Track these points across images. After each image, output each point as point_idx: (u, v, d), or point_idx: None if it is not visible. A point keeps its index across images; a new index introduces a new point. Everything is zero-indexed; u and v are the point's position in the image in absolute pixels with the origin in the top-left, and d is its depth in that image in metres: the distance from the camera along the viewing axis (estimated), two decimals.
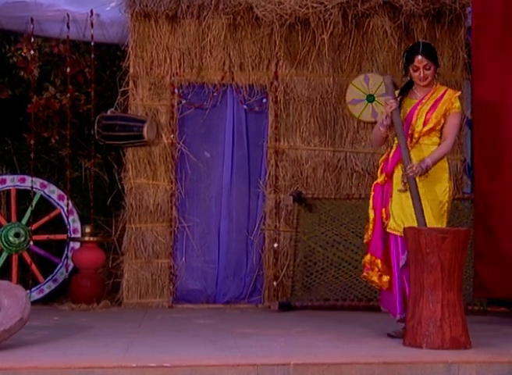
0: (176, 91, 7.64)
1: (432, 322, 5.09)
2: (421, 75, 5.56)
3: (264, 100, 7.68)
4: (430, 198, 5.48)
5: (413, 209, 5.45)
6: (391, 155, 5.68)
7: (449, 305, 5.11)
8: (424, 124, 5.55)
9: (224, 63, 7.66)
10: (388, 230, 5.59)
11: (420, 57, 5.55)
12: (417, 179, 5.45)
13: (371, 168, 7.50)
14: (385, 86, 5.66)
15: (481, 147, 6.31)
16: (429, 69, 5.56)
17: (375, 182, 5.76)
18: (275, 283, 7.55)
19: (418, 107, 5.60)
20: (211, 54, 7.63)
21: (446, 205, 5.54)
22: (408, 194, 5.50)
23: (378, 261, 5.60)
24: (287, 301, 7.26)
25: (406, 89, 5.69)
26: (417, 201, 5.39)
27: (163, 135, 7.62)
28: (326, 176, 7.69)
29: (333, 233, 7.43)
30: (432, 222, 5.41)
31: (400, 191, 5.56)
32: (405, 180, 5.52)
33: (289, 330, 6.02)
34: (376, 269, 5.60)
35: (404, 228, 5.36)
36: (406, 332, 5.26)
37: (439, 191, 5.54)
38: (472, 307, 6.79)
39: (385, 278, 5.59)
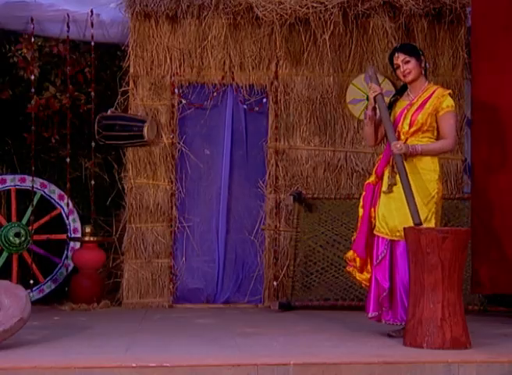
0: (176, 90, 7.64)
1: (432, 322, 5.09)
2: (402, 69, 5.63)
3: (265, 100, 7.68)
4: (421, 200, 5.47)
5: (396, 212, 5.49)
6: (381, 156, 5.71)
7: (450, 304, 5.11)
8: (410, 125, 5.58)
9: (224, 63, 7.65)
10: (374, 232, 5.62)
11: (396, 54, 5.68)
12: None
13: (371, 168, 7.47)
14: (368, 76, 5.79)
15: (479, 146, 6.34)
16: (408, 62, 5.61)
17: (366, 181, 5.80)
18: (275, 283, 7.55)
19: (407, 108, 5.63)
20: (211, 54, 7.63)
21: (435, 206, 5.53)
22: (392, 195, 5.54)
23: (358, 258, 5.70)
24: (287, 301, 7.26)
25: (401, 92, 5.73)
26: (406, 185, 5.38)
27: (163, 135, 7.62)
28: (326, 176, 7.69)
29: (333, 233, 7.43)
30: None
31: (384, 192, 5.58)
32: (390, 182, 5.56)
33: (289, 330, 6.02)
34: (356, 265, 5.67)
35: (404, 228, 5.36)
36: (406, 332, 5.26)
37: (428, 194, 5.52)
38: (472, 307, 6.79)
39: (365, 275, 5.69)
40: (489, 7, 6.34)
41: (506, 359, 4.79)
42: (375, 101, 5.63)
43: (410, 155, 5.50)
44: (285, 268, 7.52)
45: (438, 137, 5.62)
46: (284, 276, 7.52)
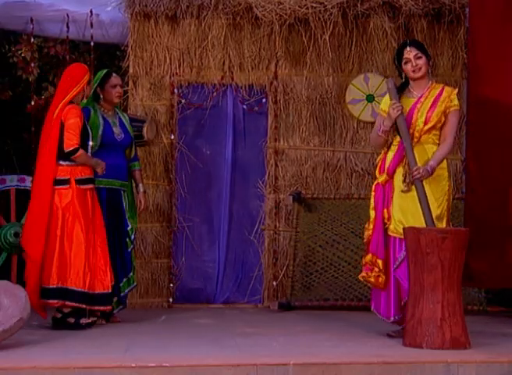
0: (176, 90, 7.64)
1: (432, 322, 5.09)
2: (414, 64, 5.56)
3: (264, 100, 7.68)
4: (434, 197, 5.48)
5: (413, 211, 5.46)
6: (392, 156, 5.66)
7: (450, 304, 5.11)
8: (425, 123, 5.55)
9: (224, 63, 7.66)
10: (389, 232, 5.59)
11: (408, 48, 5.60)
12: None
13: (370, 168, 7.50)
14: (388, 90, 5.63)
15: (474, 144, 6.38)
16: (420, 58, 5.57)
17: (375, 182, 5.75)
18: (274, 283, 7.55)
19: (417, 106, 5.59)
20: (210, 54, 7.64)
21: (447, 203, 5.54)
22: (409, 194, 5.51)
23: (380, 261, 5.58)
24: (287, 301, 7.27)
25: (402, 89, 5.69)
26: (425, 205, 5.37)
27: (163, 135, 7.62)
28: (326, 176, 7.70)
29: (333, 233, 7.43)
30: (436, 222, 5.41)
31: (403, 191, 5.55)
32: (407, 181, 5.52)
33: (289, 330, 6.02)
34: (376, 269, 5.58)
35: (404, 228, 5.35)
36: (406, 332, 5.25)
37: (440, 190, 5.53)
38: (472, 307, 6.79)
39: (381, 279, 5.60)
40: (486, 6, 6.36)
41: (506, 359, 4.78)
42: (397, 120, 5.49)
43: (430, 175, 5.46)
44: (284, 268, 7.52)
45: (440, 133, 5.60)
46: (284, 277, 7.52)
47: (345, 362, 4.71)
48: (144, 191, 6.80)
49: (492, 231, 6.18)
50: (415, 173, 5.40)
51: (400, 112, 5.48)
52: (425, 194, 5.41)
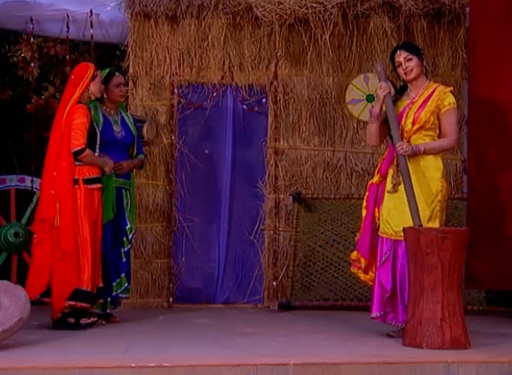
0: (176, 90, 7.64)
1: (432, 322, 5.09)
2: (404, 67, 5.59)
3: (264, 100, 7.68)
4: (423, 198, 5.47)
5: (400, 211, 5.48)
6: (385, 155, 5.70)
7: (450, 304, 5.11)
8: (413, 123, 5.55)
9: (224, 63, 7.66)
10: (379, 232, 5.61)
11: (398, 52, 5.65)
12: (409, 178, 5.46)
13: (370, 168, 7.50)
14: (377, 73, 5.72)
15: (475, 144, 6.38)
16: (410, 60, 5.59)
17: (370, 181, 5.78)
18: (274, 283, 7.55)
19: (409, 106, 5.61)
20: (210, 54, 7.64)
21: (439, 204, 5.53)
22: (396, 195, 5.53)
23: (362, 259, 5.66)
24: (287, 301, 7.27)
25: (401, 91, 5.71)
26: (408, 185, 5.37)
27: (163, 135, 7.62)
28: (326, 176, 7.70)
29: (333, 233, 7.44)
30: (424, 221, 5.40)
31: (388, 191, 5.57)
32: (394, 181, 5.54)
33: (289, 330, 6.02)
34: (361, 266, 5.66)
35: (404, 228, 5.35)
36: (406, 332, 5.25)
37: (431, 190, 5.52)
38: (472, 307, 6.79)
39: (369, 276, 5.67)
40: (486, 6, 6.36)
41: (506, 359, 4.79)
42: (384, 99, 5.57)
43: (414, 155, 5.47)
44: (284, 268, 7.52)
45: (440, 135, 5.60)
46: (284, 277, 7.52)
47: (345, 362, 4.71)
48: (139, 162, 6.66)
49: (493, 232, 6.19)
50: (399, 148, 5.41)
51: (386, 91, 5.55)
52: (409, 172, 5.41)
